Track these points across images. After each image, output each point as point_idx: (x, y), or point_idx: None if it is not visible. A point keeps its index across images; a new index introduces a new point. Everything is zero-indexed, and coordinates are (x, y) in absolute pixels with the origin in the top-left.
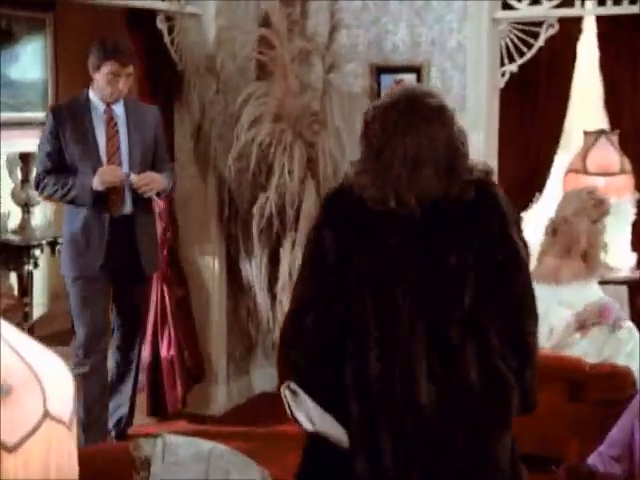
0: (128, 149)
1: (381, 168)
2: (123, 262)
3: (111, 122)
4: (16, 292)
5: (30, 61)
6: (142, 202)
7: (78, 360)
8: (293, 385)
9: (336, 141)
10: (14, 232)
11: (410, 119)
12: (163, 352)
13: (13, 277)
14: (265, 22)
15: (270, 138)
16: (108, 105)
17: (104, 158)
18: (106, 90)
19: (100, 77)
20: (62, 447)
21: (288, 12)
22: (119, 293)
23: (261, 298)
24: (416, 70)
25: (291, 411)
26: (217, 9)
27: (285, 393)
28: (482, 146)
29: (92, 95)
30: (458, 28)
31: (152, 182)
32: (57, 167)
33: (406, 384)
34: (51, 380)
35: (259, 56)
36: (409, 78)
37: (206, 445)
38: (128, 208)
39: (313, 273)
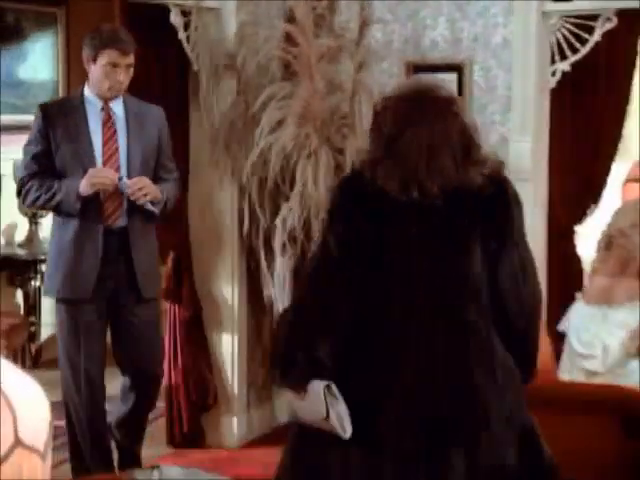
0: (127, 153)
1: (397, 159)
2: (120, 284)
3: (109, 122)
4: (22, 311)
5: (40, 60)
6: (140, 212)
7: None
8: (333, 387)
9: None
10: (20, 245)
11: (422, 110)
12: (172, 379)
13: (19, 294)
14: (290, 17)
15: (294, 143)
16: (106, 102)
17: (99, 162)
18: (104, 84)
19: (97, 69)
20: (35, 477)
21: (314, 6)
22: (119, 328)
23: None
24: (456, 69)
25: (327, 413)
26: (237, 3)
27: (325, 392)
28: (529, 152)
29: (88, 92)
30: (504, 22)
31: (146, 187)
32: (43, 171)
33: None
34: (24, 406)
35: (283, 54)
36: (449, 78)
37: (204, 477)
38: (124, 219)
39: (327, 265)
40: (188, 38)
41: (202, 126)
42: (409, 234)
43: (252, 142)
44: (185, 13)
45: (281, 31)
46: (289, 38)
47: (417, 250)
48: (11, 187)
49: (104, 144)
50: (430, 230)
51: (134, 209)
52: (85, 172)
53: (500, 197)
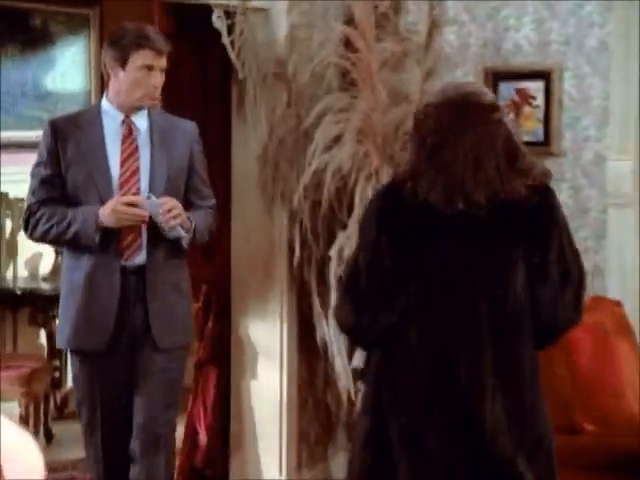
0: (149, 174)
1: (441, 168)
2: (138, 332)
3: (129, 137)
4: (45, 353)
5: (70, 68)
6: (162, 246)
7: None
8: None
9: None
10: (45, 279)
11: (465, 117)
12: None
13: (42, 334)
14: (348, 18)
15: (352, 162)
16: (127, 115)
17: (116, 185)
18: (136, 91)
19: (128, 74)
20: None
21: (376, 5)
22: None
23: (340, 364)
24: (544, 76)
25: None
26: (289, 3)
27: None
28: (630, 173)
29: (107, 104)
30: (600, 22)
31: (177, 209)
32: (54, 198)
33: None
34: (16, 461)
35: (340, 61)
36: (535, 86)
37: None
38: (143, 254)
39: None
40: (232, 42)
41: (247, 143)
42: (452, 248)
43: (304, 161)
44: (229, 14)
45: (338, 34)
46: (347, 42)
47: (460, 265)
48: None
49: (122, 163)
50: (474, 244)
51: (155, 242)
52: (100, 197)
53: (544, 209)
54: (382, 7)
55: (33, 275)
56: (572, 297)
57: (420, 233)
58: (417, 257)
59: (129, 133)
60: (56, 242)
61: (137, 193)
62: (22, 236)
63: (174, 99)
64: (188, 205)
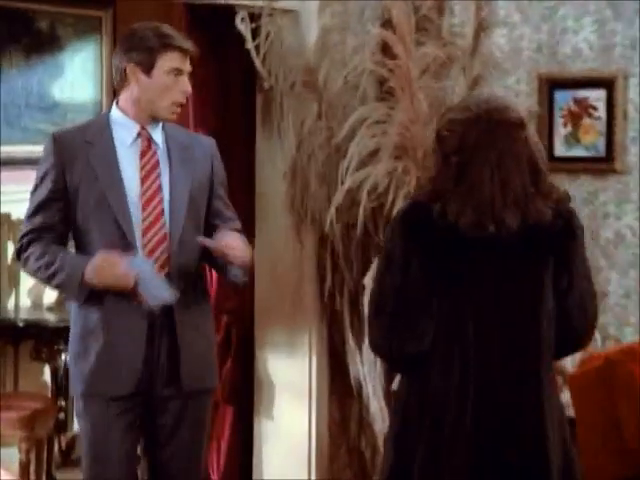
0: (170, 194)
1: (469, 190)
2: (158, 372)
3: (148, 151)
4: (49, 392)
5: (79, 75)
6: (191, 278)
7: None
8: None
9: None
10: (50, 309)
11: (492, 135)
12: None
13: (47, 371)
14: (386, 21)
15: (389, 180)
16: (143, 127)
17: (134, 207)
18: (165, 99)
19: (154, 80)
20: None
21: (417, 5)
22: (150, 431)
23: (376, 406)
24: (606, 84)
25: None
26: (320, 3)
27: None
28: None
29: (118, 115)
30: None
31: (239, 247)
32: (51, 227)
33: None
34: None
35: (377, 67)
36: (595, 95)
37: None
38: (170, 293)
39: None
40: (257, 47)
41: (272, 158)
42: (483, 271)
43: (337, 179)
44: (254, 16)
45: (374, 38)
46: (385, 47)
47: (492, 287)
48: None
49: (142, 180)
50: (505, 267)
51: (180, 278)
52: (117, 222)
53: (569, 232)
54: (424, 8)
55: (37, 305)
56: (592, 297)
57: (450, 256)
58: (448, 280)
59: (148, 147)
60: (46, 285)
61: (160, 215)
62: None
63: (193, 110)
64: (211, 229)
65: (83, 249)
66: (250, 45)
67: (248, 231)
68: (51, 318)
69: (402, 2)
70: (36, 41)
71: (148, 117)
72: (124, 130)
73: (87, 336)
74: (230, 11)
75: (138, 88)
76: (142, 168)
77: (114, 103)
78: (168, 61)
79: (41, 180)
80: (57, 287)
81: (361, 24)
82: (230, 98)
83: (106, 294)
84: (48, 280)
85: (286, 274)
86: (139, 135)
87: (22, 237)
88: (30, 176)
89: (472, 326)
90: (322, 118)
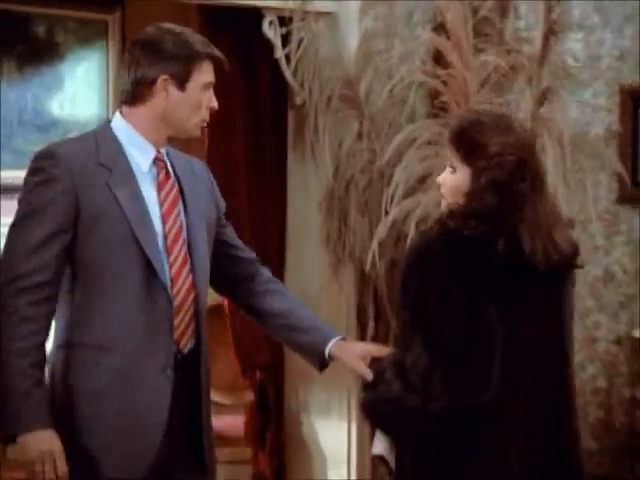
0: (189, 237)
1: (533, 218)
2: (174, 446)
3: (167, 181)
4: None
5: (82, 88)
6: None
7: None
8: None
9: None
10: None
11: (537, 159)
12: None
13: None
14: (438, 24)
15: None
16: (159, 151)
17: (162, 252)
18: (194, 118)
19: (188, 95)
20: None
21: (476, 6)
22: None
23: None
24: None
25: None
26: (362, 3)
27: None
28: None
29: (131, 133)
30: None
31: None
32: (49, 280)
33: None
34: None
35: (428, 79)
36: None
37: None
38: (192, 339)
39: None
40: (288, 56)
41: (306, 184)
42: (540, 309)
43: (380, 209)
44: (284, 20)
45: (425, 45)
46: (437, 55)
47: (550, 327)
48: None
49: (164, 217)
50: (548, 299)
51: (203, 321)
52: (147, 268)
53: (576, 266)
54: (483, 9)
55: None
56: None
57: (514, 293)
58: (514, 322)
59: (166, 177)
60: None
61: (186, 259)
62: None
63: (210, 130)
64: (231, 260)
65: (88, 296)
66: (280, 54)
67: (277, 267)
68: None
69: (458, 2)
70: (32, 49)
71: (166, 138)
72: (140, 153)
73: (95, 402)
74: (256, 14)
75: (167, 103)
76: (162, 204)
77: (119, 118)
78: (204, 73)
79: (42, 209)
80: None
81: (409, 28)
82: (256, 115)
83: (129, 339)
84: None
85: (322, 314)
86: (155, 161)
87: (13, 281)
88: None
89: (525, 385)
90: (363, 138)
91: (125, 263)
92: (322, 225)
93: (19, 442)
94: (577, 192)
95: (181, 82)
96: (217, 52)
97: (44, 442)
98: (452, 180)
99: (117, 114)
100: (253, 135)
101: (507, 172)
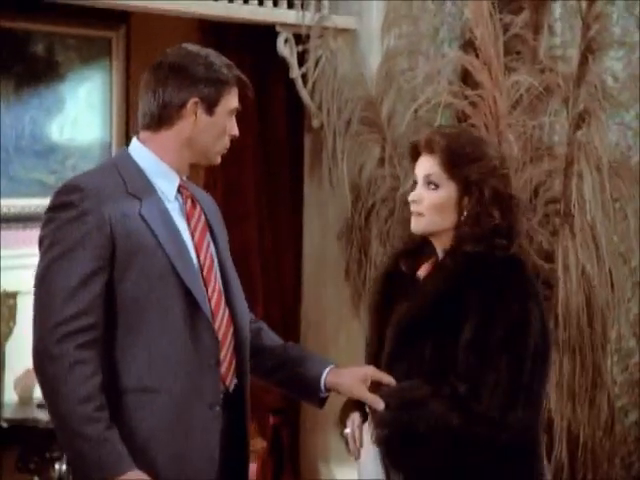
0: (220, 269)
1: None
2: None
3: (194, 214)
4: None
5: (84, 111)
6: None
7: None
8: None
9: (590, 248)
10: (41, 406)
11: None
12: None
13: None
14: (467, 42)
15: None
16: (182, 179)
17: (202, 295)
18: (219, 144)
19: (216, 120)
20: None
21: (507, 22)
22: None
23: None
24: None
25: None
26: (385, 20)
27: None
28: None
29: (155, 161)
30: None
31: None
32: (94, 323)
33: None
34: None
35: (455, 100)
36: None
37: None
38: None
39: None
40: (305, 76)
41: (323, 213)
42: None
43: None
44: (301, 38)
45: (452, 63)
46: (465, 74)
47: None
48: (30, 310)
49: (197, 249)
50: None
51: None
52: (188, 301)
53: None
54: (515, 25)
55: (25, 400)
56: None
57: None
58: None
59: (193, 206)
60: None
61: (221, 292)
62: (12, 345)
63: (224, 155)
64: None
65: (130, 336)
66: (296, 73)
67: (294, 300)
68: (43, 417)
69: (487, 18)
70: (30, 68)
71: (188, 165)
72: (164, 182)
73: (147, 449)
74: (270, 31)
75: (194, 128)
76: (193, 234)
77: (139, 145)
78: (232, 99)
79: (79, 246)
80: (75, 453)
81: (435, 46)
82: (270, 140)
83: (172, 373)
84: (76, 436)
85: (340, 360)
86: (179, 189)
87: (57, 326)
88: (20, 238)
89: None
90: (385, 164)
91: (167, 298)
92: (341, 256)
93: None
94: (617, 222)
95: (210, 106)
96: (244, 77)
97: None
98: (435, 197)
99: (135, 141)
100: (266, 161)
101: (504, 184)
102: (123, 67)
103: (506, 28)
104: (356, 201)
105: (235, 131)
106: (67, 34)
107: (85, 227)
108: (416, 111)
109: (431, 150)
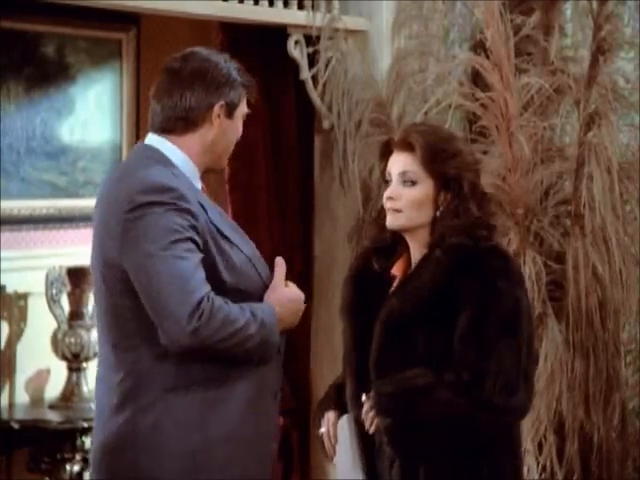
0: None
1: None
2: None
3: None
4: None
5: (95, 113)
6: None
7: None
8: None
9: (601, 249)
10: (53, 406)
11: None
12: None
13: None
14: (477, 43)
15: None
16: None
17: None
18: (231, 147)
19: (234, 124)
20: None
21: (518, 23)
22: None
23: None
24: None
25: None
26: (395, 21)
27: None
28: None
29: (188, 164)
30: None
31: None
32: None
33: None
34: None
35: (466, 102)
36: None
37: None
38: None
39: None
40: (315, 78)
41: (333, 215)
42: None
43: None
44: (311, 39)
45: (463, 65)
46: (476, 76)
47: None
48: (41, 311)
49: None
50: None
51: None
52: (265, 285)
53: None
54: (526, 26)
55: (36, 401)
56: None
57: None
58: None
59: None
60: (229, 350)
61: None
62: (23, 346)
63: (234, 158)
64: None
65: None
66: (306, 75)
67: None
68: (54, 418)
69: (498, 19)
70: (40, 70)
71: (211, 167)
72: (196, 182)
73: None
74: (281, 33)
75: (217, 132)
76: None
77: (173, 148)
78: (244, 102)
79: (183, 232)
80: (257, 346)
81: (446, 47)
82: (280, 141)
83: (249, 372)
84: (245, 340)
85: None
86: (202, 189)
87: (201, 300)
88: (31, 239)
89: None
90: None
91: (252, 285)
92: (351, 257)
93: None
94: (628, 223)
95: (231, 110)
96: (253, 81)
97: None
98: (414, 194)
99: (166, 142)
100: (276, 162)
101: (478, 178)
102: (133, 69)
103: (517, 29)
104: (367, 202)
105: (240, 135)
106: (78, 36)
107: (186, 221)
108: (426, 113)
109: (408, 147)
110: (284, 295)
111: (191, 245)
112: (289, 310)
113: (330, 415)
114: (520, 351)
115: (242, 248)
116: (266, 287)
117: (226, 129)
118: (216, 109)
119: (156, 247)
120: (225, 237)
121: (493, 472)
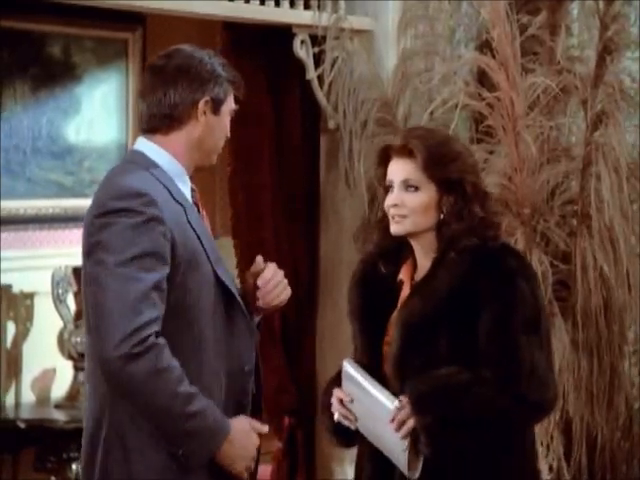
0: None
1: None
2: None
3: (205, 215)
4: None
5: (101, 112)
6: None
7: None
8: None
9: (607, 249)
10: (59, 406)
11: None
12: None
13: None
14: (484, 43)
15: None
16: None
17: (239, 301)
18: (220, 144)
19: (220, 120)
20: None
21: (525, 23)
22: None
23: None
24: None
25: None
26: (401, 21)
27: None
28: None
29: (173, 163)
30: None
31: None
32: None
33: None
34: None
35: (472, 101)
36: None
37: None
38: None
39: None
40: (321, 78)
41: (339, 215)
42: None
43: None
44: (317, 39)
45: (469, 64)
46: (482, 76)
47: None
48: (47, 310)
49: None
50: None
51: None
52: (229, 320)
53: None
54: (532, 26)
55: (42, 400)
56: None
57: None
58: None
59: (203, 208)
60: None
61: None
62: (29, 346)
63: (238, 158)
64: None
65: (181, 346)
66: (312, 74)
67: (309, 302)
68: (60, 417)
69: (504, 19)
70: (46, 70)
71: (200, 165)
72: (184, 186)
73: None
74: (286, 32)
75: (204, 128)
76: (211, 241)
77: (157, 148)
78: (231, 98)
79: (147, 252)
80: (188, 433)
81: (452, 47)
82: (286, 141)
83: (215, 381)
84: (182, 419)
85: None
86: (192, 193)
87: (140, 329)
88: (37, 239)
89: None
90: None
91: (213, 305)
92: (357, 257)
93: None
94: (635, 223)
95: (217, 106)
96: (239, 77)
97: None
98: (418, 199)
99: (148, 142)
100: (282, 162)
101: (479, 179)
102: (139, 68)
103: (523, 29)
104: (372, 202)
105: (228, 132)
106: (83, 35)
107: (153, 234)
108: (432, 112)
109: (409, 154)
110: (245, 427)
111: (152, 262)
112: (240, 442)
113: (337, 392)
114: (544, 346)
115: (213, 261)
116: (229, 303)
117: (213, 126)
118: (201, 105)
119: (114, 260)
120: (201, 243)
121: (519, 467)
